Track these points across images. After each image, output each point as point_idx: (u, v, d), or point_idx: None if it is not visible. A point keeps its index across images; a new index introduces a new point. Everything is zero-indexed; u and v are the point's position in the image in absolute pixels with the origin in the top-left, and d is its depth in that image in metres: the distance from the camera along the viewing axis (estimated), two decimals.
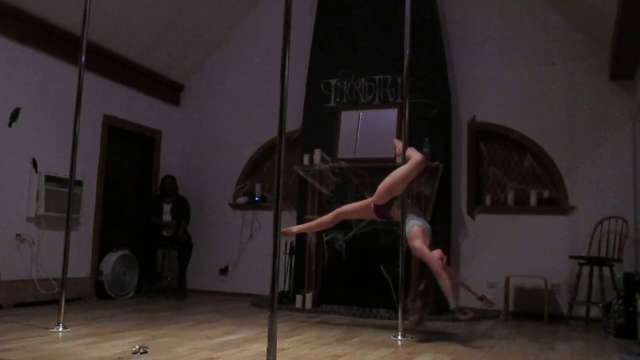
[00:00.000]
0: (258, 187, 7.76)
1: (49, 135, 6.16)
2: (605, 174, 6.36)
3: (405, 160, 4.87)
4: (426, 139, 6.38)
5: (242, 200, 7.78)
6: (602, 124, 6.45)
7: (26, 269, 5.88)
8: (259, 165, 7.92)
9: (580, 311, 6.08)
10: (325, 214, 6.57)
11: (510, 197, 6.67)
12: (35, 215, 5.99)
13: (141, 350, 3.63)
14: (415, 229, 4.73)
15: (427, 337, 4.82)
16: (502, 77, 6.86)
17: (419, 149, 6.29)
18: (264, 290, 6.98)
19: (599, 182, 6.37)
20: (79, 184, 6.35)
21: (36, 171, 6.03)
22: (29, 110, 5.95)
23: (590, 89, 6.52)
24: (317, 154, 6.70)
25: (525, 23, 6.85)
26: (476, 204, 6.81)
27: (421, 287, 4.63)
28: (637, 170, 6.11)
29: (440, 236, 6.48)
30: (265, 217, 7.54)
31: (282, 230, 4.43)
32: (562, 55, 6.66)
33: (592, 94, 6.51)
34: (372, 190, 6.26)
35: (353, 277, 6.52)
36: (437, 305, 6.18)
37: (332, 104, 6.98)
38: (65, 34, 6.22)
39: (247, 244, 7.68)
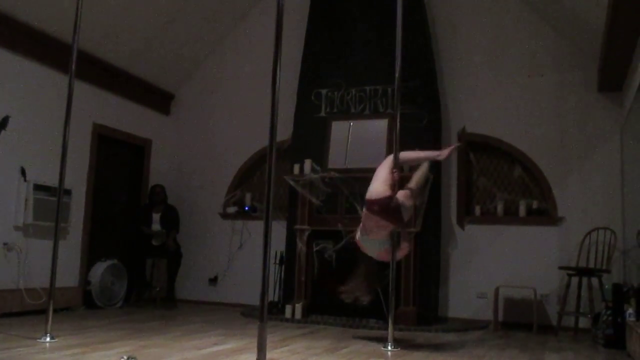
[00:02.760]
0: (248, 196, 7.75)
1: (38, 144, 6.12)
2: (594, 185, 6.41)
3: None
4: (416, 149, 6.39)
5: (232, 209, 7.76)
6: (590, 135, 6.50)
7: (13, 278, 5.82)
8: (249, 174, 7.92)
9: (569, 322, 6.10)
10: (315, 224, 6.60)
11: (500, 208, 6.70)
12: (24, 224, 5.95)
13: None
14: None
15: (417, 347, 4.82)
16: (491, 88, 6.91)
17: None
18: (254, 300, 6.96)
19: (587, 193, 6.42)
20: (68, 192, 6.32)
21: (25, 180, 5.99)
22: (18, 118, 5.92)
23: (578, 100, 6.58)
24: (308, 164, 6.69)
25: (514, 35, 6.91)
26: (466, 215, 6.83)
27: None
28: (625, 182, 6.16)
29: (430, 246, 6.50)
30: (255, 227, 7.52)
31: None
32: (551, 67, 6.72)
33: (581, 105, 6.57)
34: (362, 200, 6.27)
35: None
36: (423, 316, 6.20)
37: (323, 114, 6.99)
38: (55, 42, 6.20)
39: (236, 253, 7.66)
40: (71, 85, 4.77)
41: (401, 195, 4.68)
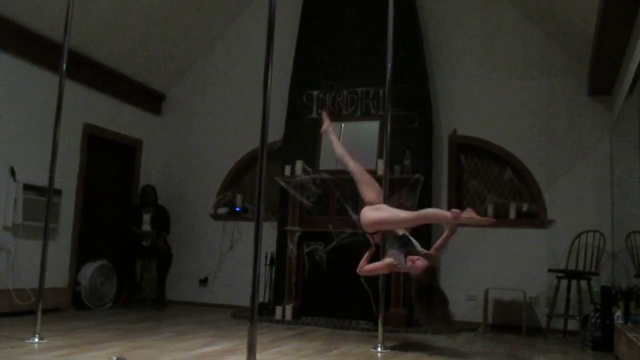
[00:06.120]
0: (239, 197, 7.73)
1: (28, 144, 6.09)
2: (583, 188, 6.44)
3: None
4: (407, 151, 6.42)
5: (222, 210, 7.75)
6: (580, 138, 6.54)
7: (2, 278, 5.78)
8: (240, 175, 7.90)
9: (558, 324, 6.13)
10: (306, 225, 6.61)
11: (490, 210, 6.72)
12: (13, 224, 5.91)
13: None
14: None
15: (406, 349, 4.83)
16: (482, 91, 6.94)
17: (399, 161, 6.36)
18: (244, 301, 6.94)
19: (577, 196, 6.45)
20: (58, 192, 6.29)
21: (14, 179, 5.95)
22: (8, 117, 5.89)
23: (569, 104, 6.62)
24: (299, 165, 6.70)
25: (506, 39, 6.94)
26: None
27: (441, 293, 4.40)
28: (614, 185, 6.20)
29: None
30: (246, 228, 7.51)
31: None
32: (542, 70, 6.75)
33: (571, 109, 6.60)
34: (353, 201, 6.31)
35: (333, 289, 6.52)
36: (413, 318, 6.21)
37: (314, 115, 6.99)
38: (46, 42, 6.17)
39: (227, 254, 7.64)
40: (62, 85, 4.75)
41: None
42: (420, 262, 4.34)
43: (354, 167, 4.98)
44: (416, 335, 5.70)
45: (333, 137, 5.19)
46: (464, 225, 4.77)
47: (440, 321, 4.37)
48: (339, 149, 5.09)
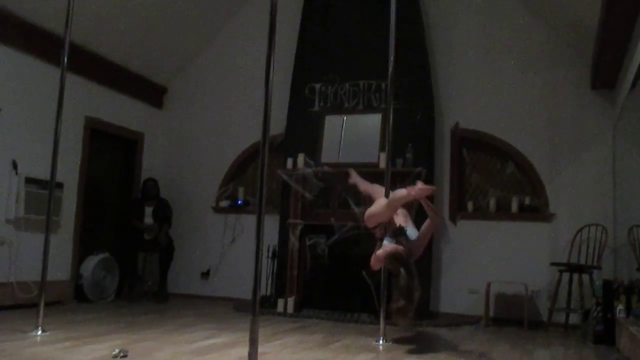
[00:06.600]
0: (241, 190, 7.73)
1: (30, 137, 6.09)
2: (586, 182, 6.43)
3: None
4: (409, 145, 6.41)
5: (224, 203, 7.75)
6: (582, 132, 6.53)
7: (4, 271, 5.80)
8: (242, 169, 7.90)
9: (560, 318, 6.13)
10: (307, 218, 6.61)
11: (492, 204, 6.72)
12: (15, 217, 5.91)
13: (121, 355, 3.61)
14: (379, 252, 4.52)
15: (408, 342, 4.84)
16: (485, 85, 6.92)
17: (401, 154, 6.36)
18: (246, 294, 6.96)
19: (579, 190, 6.44)
20: (60, 186, 6.29)
21: (16, 173, 5.95)
22: (10, 111, 5.88)
23: (571, 98, 6.60)
24: (301, 158, 6.69)
25: (508, 32, 6.92)
26: (458, 210, 6.85)
27: (401, 282, 4.26)
28: (616, 179, 6.19)
29: None
30: (248, 221, 7.51)
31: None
32: (544, 64, 6.73)
33: (574, 102, 6.58)
34: (355, 195, 6.31)
35: (335, 282, 6.53)
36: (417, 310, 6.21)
37: (316, 108, 6.98)
38: (47, 35, 6.16)
39: (229, 247, 7.64)
40: (63, 78, 4.75)
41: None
42: (388, 248, 4.36)
43: (371, 189, 5.21)
44: (418, 329, 5.70)
45: (359, 181, 5.38)
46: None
47: (396, 312, 4.22)
48: (363, 186, 5.33)
